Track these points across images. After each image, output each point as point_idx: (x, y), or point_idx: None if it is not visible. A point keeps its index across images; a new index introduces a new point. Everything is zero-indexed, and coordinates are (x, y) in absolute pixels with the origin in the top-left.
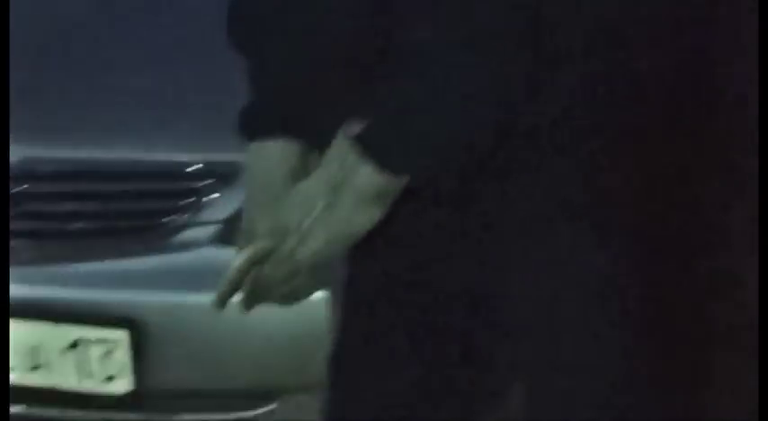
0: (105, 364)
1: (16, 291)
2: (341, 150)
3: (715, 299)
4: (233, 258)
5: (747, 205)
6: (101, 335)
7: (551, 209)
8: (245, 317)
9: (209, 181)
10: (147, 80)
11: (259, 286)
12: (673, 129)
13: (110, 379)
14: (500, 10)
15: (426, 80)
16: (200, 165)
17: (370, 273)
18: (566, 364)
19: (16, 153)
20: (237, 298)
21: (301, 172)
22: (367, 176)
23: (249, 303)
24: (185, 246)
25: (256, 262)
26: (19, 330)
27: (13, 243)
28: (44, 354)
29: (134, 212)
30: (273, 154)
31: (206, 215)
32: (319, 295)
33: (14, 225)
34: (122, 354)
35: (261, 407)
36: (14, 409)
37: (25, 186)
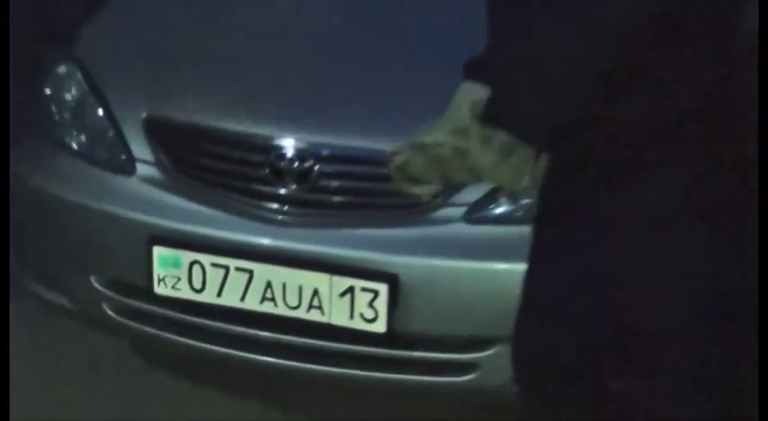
0: (368, 309)
1: (307, 248)
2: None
3: None
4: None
5: None
6: (367, 285)
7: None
8: (473, 282)
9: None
10: (410, 89)
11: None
12: None
13: (371, 321)
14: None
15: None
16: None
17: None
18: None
19: (312, 139)
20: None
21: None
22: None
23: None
24: (440, 222)
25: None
26: (306, 278)
27: (306, 210)
28: (324, 298)
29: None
30: (471, 88)
31: (457, 198)
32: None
33: (308, 196)
34: (381, 302)
35: (482, 351)
36: (293, 339)
37: (316, 166)
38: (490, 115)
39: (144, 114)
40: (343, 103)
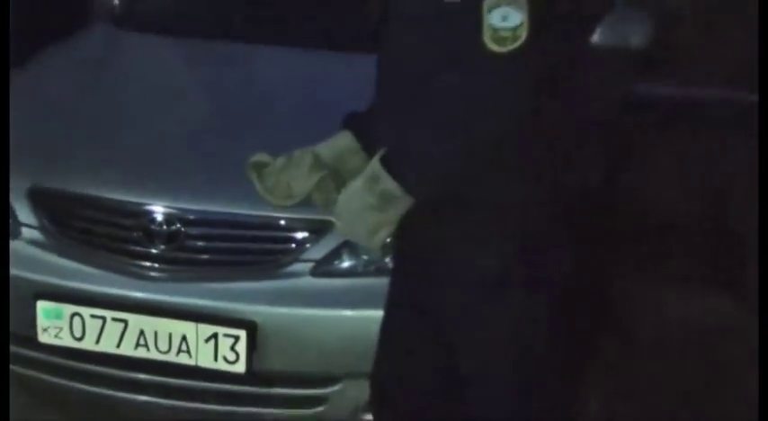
0: (230, 352)
1: (175, 300)
2: (374, 166)
3: None
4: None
5: None
6: (229, 332)
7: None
8: (320, 327)
9: (308, 233)
10: None
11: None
12: None
13: (232, 362)
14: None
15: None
16: (303, 223)
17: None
18: None
19: (178, 205)
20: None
21: (351, 151)
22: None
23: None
24: (290, 276)
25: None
26: (175, 326)
27: (174, 267)
28: (192, 343)
29: (258, 251)
30: (344, 136)
31: (305, 256)
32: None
33: (176, 255)
34: (241, 346)
35: (330, 386)
36: (165, 380)
37: (183, 228)
38: (386, 164)
39: (28, 184)
40: (207, 172)
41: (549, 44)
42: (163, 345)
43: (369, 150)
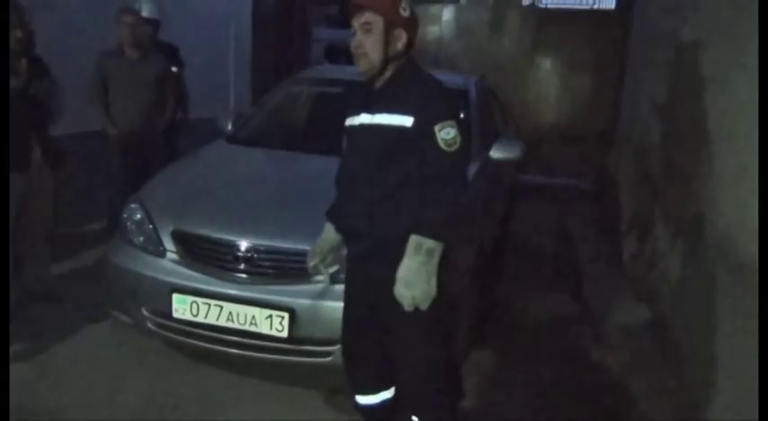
0: (279, 325)
1: (249, 295)
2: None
3: None
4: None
5: None
6: (278, 313)
7: None
8: (331, 311)
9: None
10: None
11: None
12: None
13: (280, 331)
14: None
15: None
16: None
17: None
18: None
19: (253, 242)
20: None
21: (334, 237)
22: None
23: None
24: (314, 283)
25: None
26: (248, 310)
27: (249, 276)
28: (258, 319)
29: (297, 268)
30: (329, 227)
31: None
32: None
33: (250, 269)
34: (285, 322)
35: (335, 345)
36: (244, 340)
37: (255, 255)
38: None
39: (171, 228)
40: (271, 223)
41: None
42: (242, 320)
43: (336, 224)
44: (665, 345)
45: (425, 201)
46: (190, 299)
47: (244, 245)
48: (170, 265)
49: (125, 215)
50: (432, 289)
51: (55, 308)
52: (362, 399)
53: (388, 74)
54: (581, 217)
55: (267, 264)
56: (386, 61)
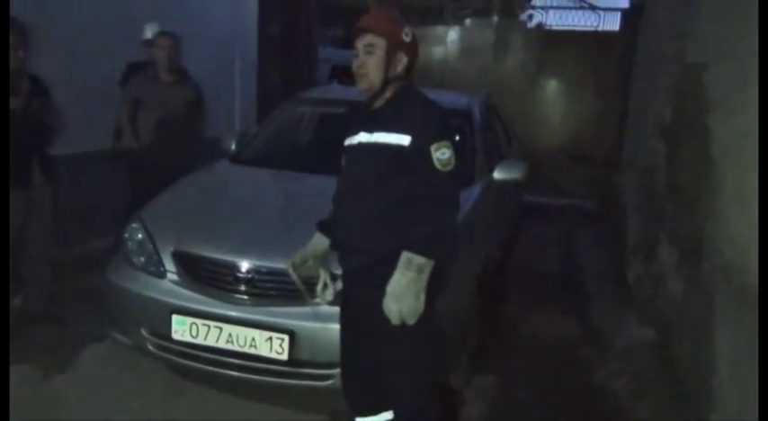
0: (279, 347)
1: (249, 316)
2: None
3: None
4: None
5: None
6: (278, 336)
7: None
8: (329, 334)
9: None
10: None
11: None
12: None
13: (280, 353)
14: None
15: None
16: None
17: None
18: None
19: (254, 263)
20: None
21: (324, 247)
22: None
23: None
24: (314, 305)
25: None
26: (248, 332)
27: (249, 298)
28: (258, 341)
29: (297, 290)
30: (319, 237)
31: (323, 296)
32: None
33: (251, 291)
34: (285, 344)
35: (335, 368)
36: (242, 362)
37: (255, 276)
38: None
39: (172, 248)
40: (272, 245)
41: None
42: (242, 342)
43: (331, 238)
44: (670, 368)
45: (418, 218)
46: (189, 320)
47: (244, 266)
48: (170, 286)
49: (126, 234)
50: (420, 304)
51: (55, 328)
52: None
53: (387, 95)
54: (586, 238)
55: (268, 285)
56: (386, 82)
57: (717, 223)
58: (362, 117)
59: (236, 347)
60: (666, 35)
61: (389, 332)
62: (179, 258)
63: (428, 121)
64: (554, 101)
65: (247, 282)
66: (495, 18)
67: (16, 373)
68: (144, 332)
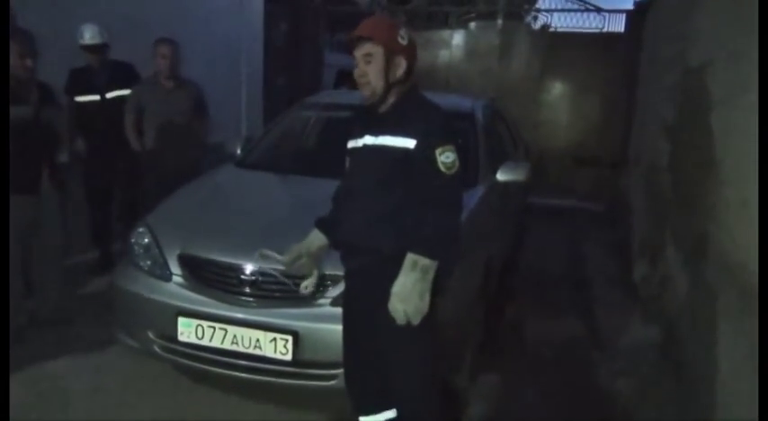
0: (283, 348)
1: (254, 318)
2: (410, 257)
3: None
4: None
5: None
6: (283, 336)
7: None
8: (333, 334)
9: (329, 282)
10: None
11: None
12: None
13: (284, 354)
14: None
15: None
16: (328, 276)
17: (343, 309)
18: None
19: (258, 265)
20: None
21: (321, 243)
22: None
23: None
24: (318, 306)
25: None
26: (253, 333)
27: (254, 300)
28: (262, 342)
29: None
30: (315, 234)
31: (326, 295)
32: None
33: (255, 293)
34: (290, 345)
35: (339, 369)
36: (247, 363)
37: (260, 278)
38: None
39: (178, 252)
40: (276, 247)
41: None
42: (246, 343)
43: (330, 236)
44: (675, 368)
45: (422, 220)
46: (195, 322)
47: (249, 268)
48: (176, 289)
49: (132, 239)
50: (424, 305)
51: (63, 331)
52: (366, 420)
53: (391, 100)
54: (593, 239)
55: (272, 287)
56: (388, 87)
57: (720, 223)
58: (367, 120)
59: (241, 348)
60: (670, 36)
61: (393, 331)
62: (184, 261)
63: (433, 126)
64: (559, 103)
65: (252, 284)
66: (500, 21)
67: (27, 375)
68: (151, 334)
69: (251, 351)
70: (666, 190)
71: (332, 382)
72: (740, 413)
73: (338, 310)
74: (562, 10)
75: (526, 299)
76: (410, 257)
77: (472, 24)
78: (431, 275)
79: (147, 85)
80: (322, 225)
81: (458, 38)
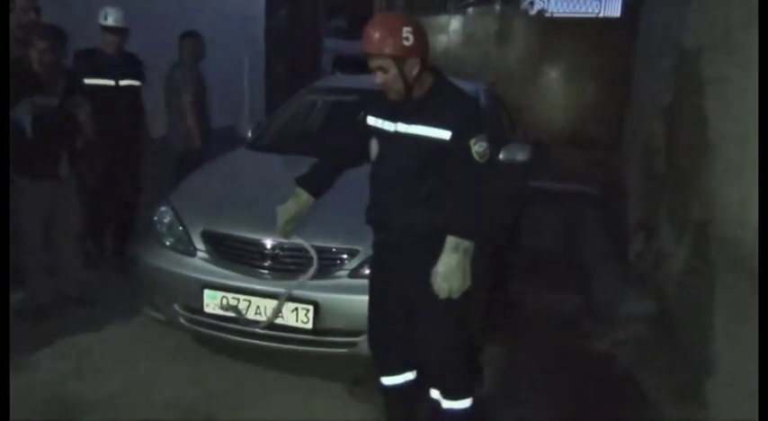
0: (305, 317)
1: (276, 290)
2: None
3: None
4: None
5: None
6: (304, 306)
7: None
8: (352, 304)
9: (346, 255)
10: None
11: None
12: None
13: (305, 323)
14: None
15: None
16: (344, 250)
17: (373, 278)
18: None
19: (278, 240)
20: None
21: (305, 199)
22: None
23: None
24: (337, 278)
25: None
26: (274, 304)
27: (275, 272)
28: (285, 312)
29: (320, 264)
30: (300, 192)
31: (345, 267)
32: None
33: (276, 266)
34: (310, 314)
35: (357, 336)
36: (271, 332)
37: (280, 252)
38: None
39: (201, 229)
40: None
41: (494, 158)
42: (269, 313)
43: (313, 193)
44: (671, 338)
45: (461, 206)
46: (220, 294)
47: (269, 243)
48: (201, 263)
49: (155, 218)
50: (466, 283)
51: (88, 310)
52: (387, 380)
53: (421, 91)
54: (590, 219)
55: (291, 260)
56: (410, 86)
57: (713, 200)
58: (398, 105)
59: (264, 318)
60: (665, 20)
61: (431, 304)
62: (208, 237)
63: (467, 117)
64: (556, 87)
65: (273, 257)
66: (497, 6)
67: (56, 349)
68: (177, 307)
69: (273, 320)
70: (661, 169)
71: (350, 349)
72: (731, 376)
73: (356, 282)
74: None
75: (526, 275)
76: (452, 240)
77: (470, 10)
78: (469, 255)
79: (181, 71)
80: (306, 183)
81: (455, 23)
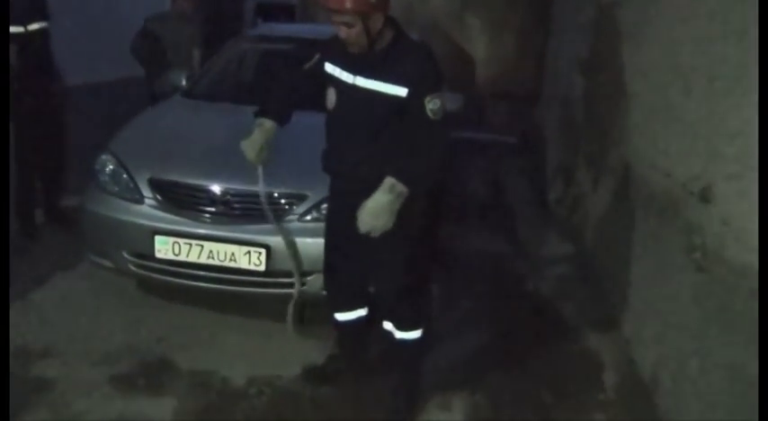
0: (257, 260)
1: (227, 234)
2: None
3: None
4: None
5: None
6: (256, 250)
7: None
8: (302, 246)
9: (294, 200)
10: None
11: None
12: None
13: (258, 266)
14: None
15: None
16: (295, 193)
17: (330, 221)
18: None
19: (226, 185)
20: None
21: (270, 127)
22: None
23: None
24: (286, 222)
25: None
26: (228, 248)
27: (225, 217)
28: (237, 256)
29: (273, 209)
30: (264, 121)
31: (293, 211)
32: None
33: (226, 211)
34: (263, 257)
35: (308, 276)
36: (223, 275)
37: (229, 197)
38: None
39: (148, 176)
40: (240, 168)
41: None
42: (222, 257)
43: (276, 119)
44: (588, 272)
45: (411, 155)
46: (172, 239)
47: (218, 189)
48: (149, 210)
49: (97, 166)
50: (389, 224)
51: (27, 261)
52: (341, 316)
53: (381, 45)
54: (511, 168)
55: (240, 206)
56: (373, 41)
57: (626, 144)
58: (357, 57)
59: (216, 262)
60: None
61: (387, 241)
62: (155, 185)
63: (424, 74)
64: (478, 38)
65: (223, 203)
66: None
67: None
68: (126, 254)
69: (226, 264)
70: (579, 119)
71: (302, 288)
72: (642, 310)
73: (305, 225)
74: None
75: (454, 219)
76: (389, 180)
77: None
78: (401, 201)
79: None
80: (267, 113)
81: None
